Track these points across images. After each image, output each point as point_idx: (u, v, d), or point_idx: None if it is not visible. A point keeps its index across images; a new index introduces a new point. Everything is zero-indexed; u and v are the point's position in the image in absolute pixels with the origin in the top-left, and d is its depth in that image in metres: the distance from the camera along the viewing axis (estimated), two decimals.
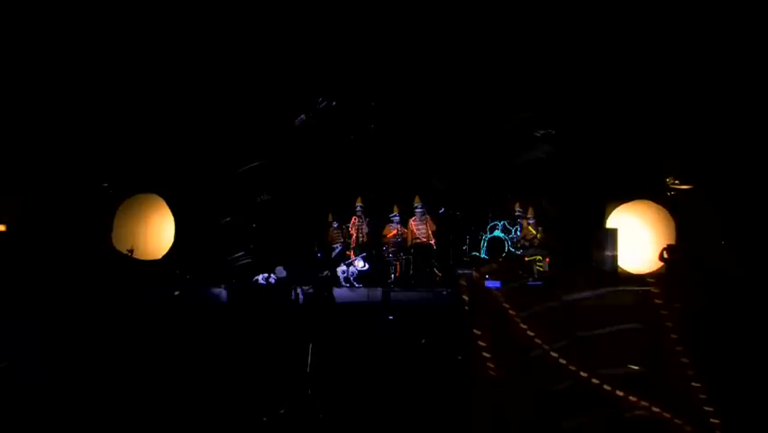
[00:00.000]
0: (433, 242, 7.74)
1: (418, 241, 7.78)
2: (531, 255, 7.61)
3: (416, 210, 7.73)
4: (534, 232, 7.85)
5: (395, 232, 7.76)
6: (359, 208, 7.83)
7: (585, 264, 7.36)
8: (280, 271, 7.48)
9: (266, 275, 7.43)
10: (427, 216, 7.79)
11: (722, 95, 6.68)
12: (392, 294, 7.00)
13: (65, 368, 3.89)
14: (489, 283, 7.03)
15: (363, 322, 5.87)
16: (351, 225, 7.87)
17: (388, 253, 7.77)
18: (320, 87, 6.43)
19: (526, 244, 7.82)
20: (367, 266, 7.60)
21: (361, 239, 7.90)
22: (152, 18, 5.88)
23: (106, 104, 6.32)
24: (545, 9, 6.77)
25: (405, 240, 7.79)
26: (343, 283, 7.54)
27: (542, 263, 7.64)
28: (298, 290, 6.66)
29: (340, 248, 7.96)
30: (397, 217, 7.71)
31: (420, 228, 7.78)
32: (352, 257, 7.71)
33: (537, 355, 3.16)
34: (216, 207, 7.77)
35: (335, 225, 8.01)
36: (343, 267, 7.67)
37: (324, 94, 6.07)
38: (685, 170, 7.06)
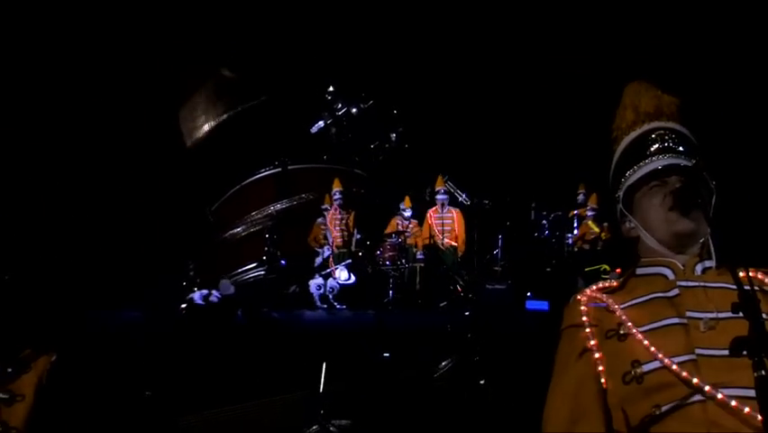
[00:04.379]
0: (460, 243, 7.66)
1: (435, 242, 7.61)
2: (593, 264, 7.41)
3: (438, 197, 7.60)
4: (596, 229, 7.66)
5: (394, 227, 7.67)
6: (337, 196, 7.59)
7: None
8: (226, 287, 7.29)
9: (205, 292, 7.19)
10: (454, 210, 7.71)
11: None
12: (389, 319, 6.75)
13: None
14: (532, 304, 7.15)
15: (344, 361, 5.67)
16: (328, 219, 7.65)
17: (384, 260, 7.46)
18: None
19: (586, 247, 7.67)
20: (352, 278, 7.31)
21: (343, 239, 7.73)
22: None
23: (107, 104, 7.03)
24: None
25: (405, 241, 7.66)
26: (319, 303, 7.26)
27: (606, 275, 7.43)
28: (238, 313, 6.68)
29: (327, 253, 7.81)
30: (409, 213, 7.61)
31: (445, 222, 7.61)
32: (332, 265, 7.46)
33: None
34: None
35: (322, 219, 7.86)
36: (319, 280, 7.35)
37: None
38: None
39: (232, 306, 7.17)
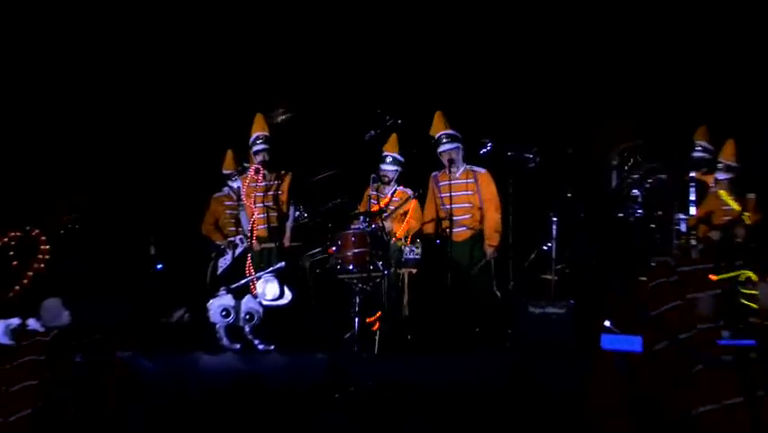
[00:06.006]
0: (488, 231, 6.41)
1: (443, 228, 6.63)
2: (731, 270, 5.84)
3: (442, 148, 6.47)
4: (734, 205, 6.60)
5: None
6: (260, 145, 6.39)
7: None
8: (54, 313, 5.78)
9: (14, 321, 5.82)
10: (475, 171, 6.56)
11: None
12: (354, 370, 5.43)
13: None
14: (613, 341, 5.52)
15: None
16: (243, 189, 6.33)
17: (345, 262, 5.80)
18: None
19: (714, 236, 6.51)
20: (286, 295, 5.68)
21: (268, 224, 6.32)
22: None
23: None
24: None
25: (382, 226, 6.22)
26: (225, 341, 5.61)
27: (753, 289, 5.70)
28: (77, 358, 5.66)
29: (241, 249, 6.89)
30: (392, 168, 6.64)
31: (456, 194, 6.41)
32: (249, 273, 6.11)
33: None
34: None
35: (228, 191, 7.15)
36: (225, 300, 5.67)
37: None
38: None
39: (64, 344, 5.68)
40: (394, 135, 7.04)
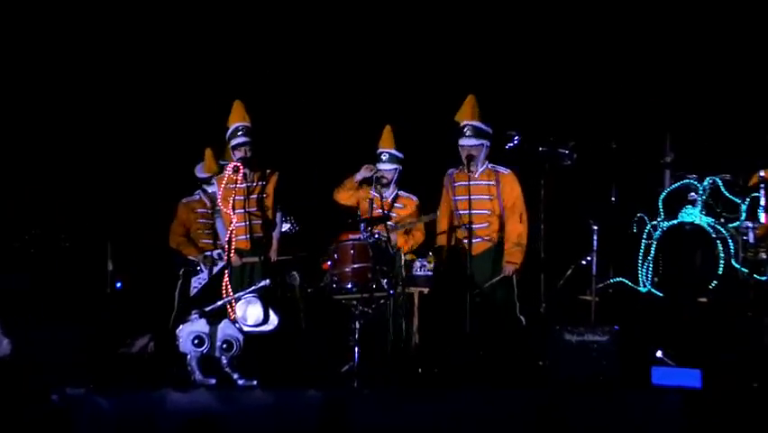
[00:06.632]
0: (510, 242, 5.82)
1: (458, 239, 6.09)
2: None
3: (463, 141, 5.82)
4: None
5: (357, 194, 6.21)
6: (240, 137, 5.73)
7: None
8: None
9: None
10: (501, 172, 5.85)
11: None
12: (356, 410, 4.69)
13: None
14: (665, 376, 5.33)
15: None
16: (219, 191, 5.56)
17: (342, 280, 5.34)
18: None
19: None
20: (272, 320, 5.06)
21: (250, 233, 5.72)
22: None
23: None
24: None
25: (387, 236, 5.58)
26: (198, 375, 4.92)
27: None
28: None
29: (220, 265, 6.47)
30: (389, 167, 6.09)
31: (475, 197, 5.78)
32: (227, 293, 5.31)
33: None
34: None
35: (200, 194, 6.62)
36: (198, 325, 5.00)
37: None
38: None
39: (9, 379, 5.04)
40: (388, 128, 6.36)
